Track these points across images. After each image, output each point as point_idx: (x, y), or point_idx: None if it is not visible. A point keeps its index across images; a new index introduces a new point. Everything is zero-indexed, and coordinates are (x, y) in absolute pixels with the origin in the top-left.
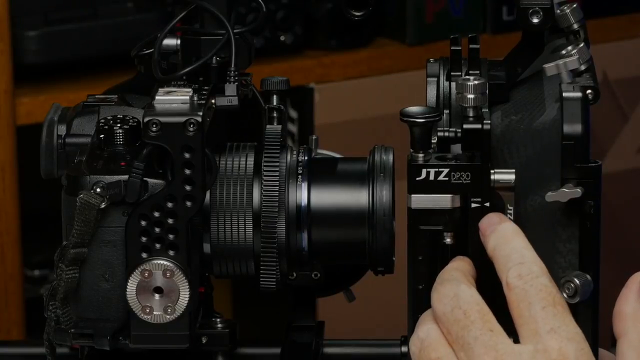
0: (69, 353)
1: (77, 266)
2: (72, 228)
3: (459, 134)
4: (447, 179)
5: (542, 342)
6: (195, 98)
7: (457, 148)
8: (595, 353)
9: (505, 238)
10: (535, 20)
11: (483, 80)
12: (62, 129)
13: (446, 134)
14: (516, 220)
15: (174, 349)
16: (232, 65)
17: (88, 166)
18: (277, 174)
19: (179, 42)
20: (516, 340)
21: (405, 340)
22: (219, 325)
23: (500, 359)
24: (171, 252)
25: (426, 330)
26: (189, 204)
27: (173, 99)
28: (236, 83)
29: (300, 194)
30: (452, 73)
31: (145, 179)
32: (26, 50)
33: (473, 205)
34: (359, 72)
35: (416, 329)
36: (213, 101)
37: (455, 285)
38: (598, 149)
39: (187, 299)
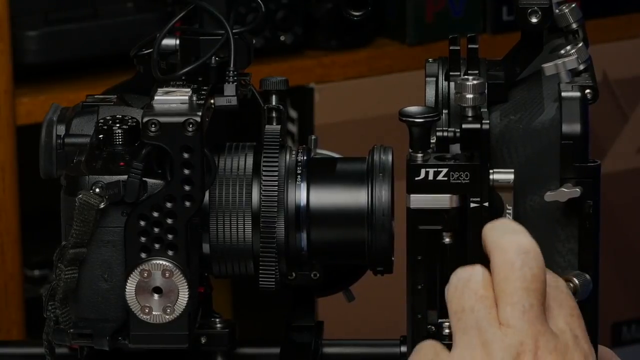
0: (68, 353)
1: (76, 266)
2: (71, 228)
3: (457, 134)
4: (446, 178)
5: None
6: (194, 98)
7: (456, 148)
8: (595, 353)
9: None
10: (534, 20)
11: (482, 80)
12: (61, 129)
13: (445, 133)
14: (515, 220)
15: (173, 349)
16: (231, 65)
17: (87, 166)
18: (276, 174)
19: (178, 42)
20: None
21: (404, 340)
22: (218, 325)
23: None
24: (170, 252)
25: None
26: (188, 204)
27: (172, 99)
28: (235, 83)
29: (300, 194)
30: (451, 73)
31: (144, 179)
32: (26, 50)
33: (472, 205)
34: (359, 72)
35: None
36: (212, 101)
37: None
38: (598, 149)
39: (186, 299)
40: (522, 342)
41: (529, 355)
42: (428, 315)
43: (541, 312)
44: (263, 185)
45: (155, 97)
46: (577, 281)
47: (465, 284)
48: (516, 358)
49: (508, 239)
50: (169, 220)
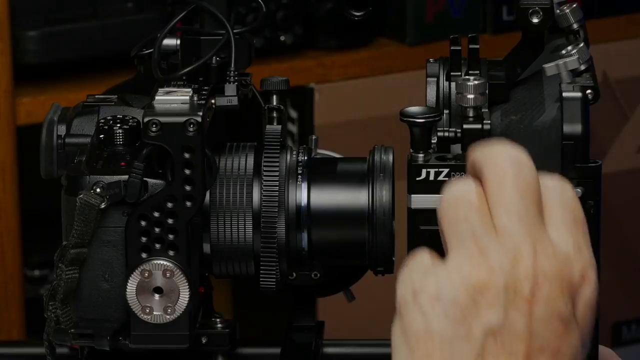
0: (68, 353)
1: (77, 266)
2: (72, 228)
3: (458, 134)
4: (447, 179)
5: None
6: (195, 98)
7: (457, 148)
8: (595, 353)
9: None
10: (535, 20)
11: (483, 80)
12: (62, 129)
13: (446, 134)
14: None
15: (173, 349)
16: (232, 65)
17: (88, 166)
18: (276, 174)
19: (178, 42)
20: None
21: None
22: (219, 325)
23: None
24: (171, 252)
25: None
26: (188, 204)
27: (173, 99)
28: (236, 83)
29: (300, 194)
30: (452, 73)
31: (145, 179)
32: (26, 50)
33: None
34: (359, 72)
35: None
36: (213, 101)
37: None
38: (598, 149)
39: (187, 299)
40: (520, 248)
41: (527, 261)
42: None
43: (538, 220)
44: (264, 185)
45: (156, 97)
46: None
47: (458, 196)
48: (514, 264)
49: (497, 151)
50: (170, 220)
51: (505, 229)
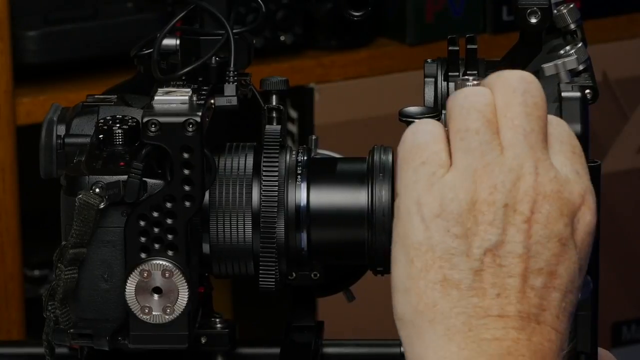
0: (68, 353)
1: (76, 266)
2: (71, 228)
3: None
4: None
5: None
6: (195, 98)
7: None
8: (595, 353)
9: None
10: (533, 20)
11: (481, 81)
12: (61, 129)
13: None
14: None
15: (173, 349)
16: (232, 65)
17: (87, 166)
18: (276, 174)
19: (178, 42)
20: None
21: None
22: (219, 325)
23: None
24: (170, 252)
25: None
26: (188, 204)
27: (172, 99)
28: (235, 83)
29: (300, 194)
30: (450, 73)
31: (144, 179)
32: (26, 50)
33: None
34: (359, 72)
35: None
36: (212, 101)
37: None
38: (598, 149)
39: (186, 299)
40: (522, 166)
41: (529, 179)
42: None
43: (542, 140)
44: (263, 186)
45: (156, 97)
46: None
47: (472, 104)
48: (516, 181)
49: (510, 72)
50: (169, 221)
51: (510, 146)
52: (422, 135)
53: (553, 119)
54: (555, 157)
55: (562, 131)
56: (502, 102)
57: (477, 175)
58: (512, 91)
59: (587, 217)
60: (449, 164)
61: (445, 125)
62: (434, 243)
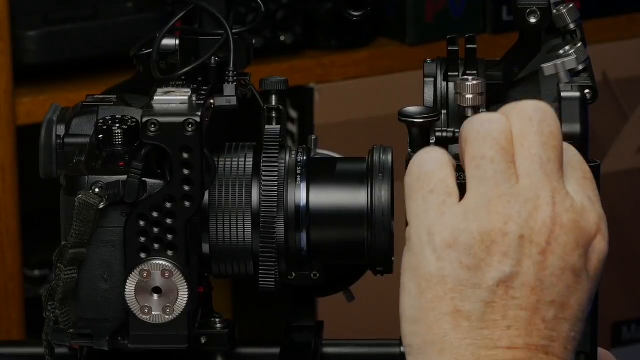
0: (68, 353)
1: (76, 266)
2: (70, 228)
3: (457, 134)
4: None
5: None
6: (194, 98)
7: (455, 148)
8: (595, 353)
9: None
10: (533, 20)
11: (481, 81)
12: (61, 129)
13: (444, 134)
14: None
15: (173, 349)
16: (231, 65)
17: (87, 166)
18: (276, 174)
19: (177, 42)
20: None
21: None
22: (218, 325)
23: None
24: (170, 252)
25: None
26: (187, 204)
27: (172, 99)
28: (235, 83)
29: (299, 194)
30: (449, 73)
31: (143, 179)
32: (26, 50)
33: None
34: (359, 72)
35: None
36: (212, 101)
37: None
38: (598, 149)
39: (186, 299)
40: (539, 196)
41: (547, 209)
42: None
43: (558, 170)
44: (263, 185)
45: (155, 97)
46: None
47: (488, 132)
48: (533, 211)
49: (525, 102)
50: (169, 220)
51: (526, 175)
52: (428, 163)
53: (565, 151)
54: (568, 184)
55: (572, 156)
56: (519, 131)
57: (492, 205)
58: (528, 120)
59: (601, 246)
60: (457, 192)
61: (455, 151)
62: (445, 274)
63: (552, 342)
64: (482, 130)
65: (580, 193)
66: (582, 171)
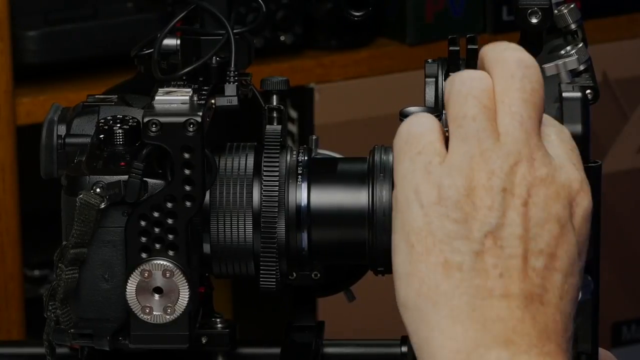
0: (68, 353)
1: (76, 266)
2: (71, 228)
3: None
4: None
5: None
6: (195, 98)
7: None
8: (595, 353)
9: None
10: (534, 21)
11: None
12: (61, 129)
13: (445, 134)
14: None
15: (173, 349)
16: (232, 65)
17: (88, 166)
18: (276, 174)
19: (178, 42)
20: None
21: (405, 341)
22: (219, 325)
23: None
24: (171, 252)
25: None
26: (188, 204)
27: (173, 99)
28: (236, 83)
29: (300, 194)
30: (451, 73)
31: (144, 179)
32: (26, 50)
33: None
34: (359, 72)
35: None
36: (213, 101)
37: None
38: (598, 149)
39: (186, 299)
40: (520, 151)
41: (526, 165)
42: None
43: (537, 127)
44: (264, 186)
45: (156, 97)
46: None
47: (469, 91)
48: (513, 166)
49: (509, 54)
50: (170, 221)
51: (507, 131)
52: (417, 126)
53: (554, 124)
54: (553, 148)
55: (564, 134)
56: (500, 87)
57: (475, 162)
58: (510, 76)
59: (584, 203)
60: (444, 153)
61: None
62: (433, 228)
63: (546, 291)
64: (463, 89)
65: (562, 156)
66: (571, 145)
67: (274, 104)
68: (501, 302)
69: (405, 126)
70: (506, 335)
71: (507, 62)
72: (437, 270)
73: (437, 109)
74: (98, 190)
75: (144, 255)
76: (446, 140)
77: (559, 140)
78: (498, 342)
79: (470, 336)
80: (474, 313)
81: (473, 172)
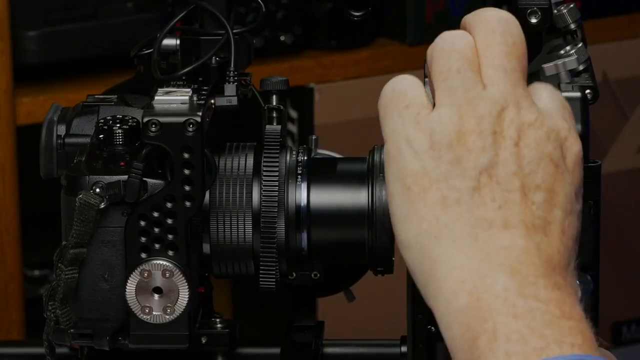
0: (68, 353)
1: (76, 266)
2: (71, 228)
3: None
4: None
5: None
6: (195, 98)
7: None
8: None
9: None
10: (534, 21)
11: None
12: (61, 129)
13: None
14: None
15: (173, 349)
16: (232, 65)
17: (87, 166)
18: (276, 174)
19: (178, 42)
20: None
21: (404, 340)
22: (219, 325)
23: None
24: (170, 252)
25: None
26: (188, 204)
27: (172, 99)
28: (235, 83)
29: (300, 194)
30: None
31: (144, 179)
32: (26, 50)
33: None
34: (359, 72)
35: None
36: (212, 101)
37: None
38: (598, 149)
39: (186, 299)
40: (506, 98)
41: (513, 110)
42: (428, 316)
43: (522, 79)
44: (263, 186)
45: (156, 97)
46: (577, 281)
47: (452, 46)
48: (501, 112)
49: (489, 13)
50: (169, 220)
51: (491, 83)
52: (401, 84)
53: (546, 87)
54: (544, 104)
55: (555, 93)
56: (482, 42)
57: (463, 110)
58: (491, 31)
59: (574, 148)
60: (431, 106)
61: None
62: (429, 169)
63: (548, 224)
64: (445, 46)
65: (551, 106)
66: (561, 102)
67: (274, 104)
68: (503, 233)
69: (389, 85)
70: (511, 264)
71: (487, 20)
72: (436, 207)
73: None
74: (98, 190)
75: (143, 255)
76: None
77: (549, 97)
78: (504, 271)
79: (475, 266)
80: (476, 242)
81: (462, 119)
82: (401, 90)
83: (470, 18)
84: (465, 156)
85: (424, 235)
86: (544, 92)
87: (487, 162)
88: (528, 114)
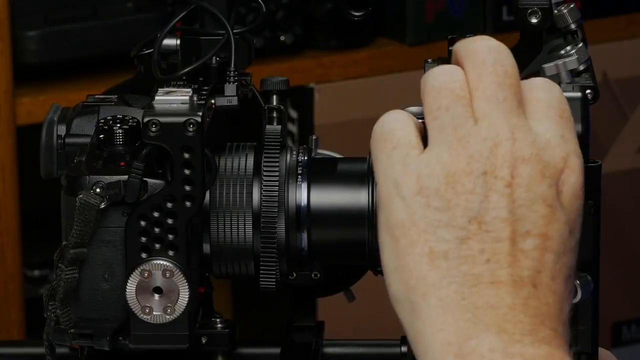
0: (68, 353)
1: (76, 266)
2: (71, 228)
3: None
4: None
5: None
6: (195, 98)
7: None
8: (595, 353)
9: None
10: (534, 21)
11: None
12: (61, 129)
13: None
14: None
15: (173, 349)
16: (232, 65)
17: (87, 166)
18: (276, 174)
19: (178, 42)
20: None
21: (404, 341)
22: (219, 325)
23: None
24: (171, 252)
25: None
26: (188, 204)
27: (173, 99)
28: (236, 83)
29: (300, 194)
30: None
31: (144, 179)
32: (26, 50)
33: None
34: (359, 72)
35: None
36: (213, 101)
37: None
38: (598, 149)
39: (186, 299)
40: (498, 134)
41: (506, 145)
42: None
43: (517, 108)
44: (264, 186)
45: (156, 97)
46: (577, 281)
47: (442, 84)
48: (493, 149)
49: (478, 43)
50: (170, 221)
51: (483, 116)
52: (389, 123)
53: (541, 82)
54: (542, 121)
55: (552, 96)
56: (473, 75)
57: (453, 149)
58: (481, 63)
59: (571, 179)
60: (421, 146)
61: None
62: (416, 219)
63: (538, 273)
64: (435, 83)
65: (551, 130)
66: (559, 109)
67: (274, 104)
68: (490, 290)
69: (379, 125)
70: (497, 323)
71: (477, 51)
72: (424, 261)
73: None
74: (98, 190)
75: (143, 255)
76: (425, 139)
77: (546, 106)
78: (490, 330)
79: (461, 326)
80: (463, 302)
81: (452, 159)
82: (389, 130)
83: (460, 50)
84: (454, 201)
85: (413, 292)
86: (541, 100)
87: (476, 208)
88: (523, 148)
